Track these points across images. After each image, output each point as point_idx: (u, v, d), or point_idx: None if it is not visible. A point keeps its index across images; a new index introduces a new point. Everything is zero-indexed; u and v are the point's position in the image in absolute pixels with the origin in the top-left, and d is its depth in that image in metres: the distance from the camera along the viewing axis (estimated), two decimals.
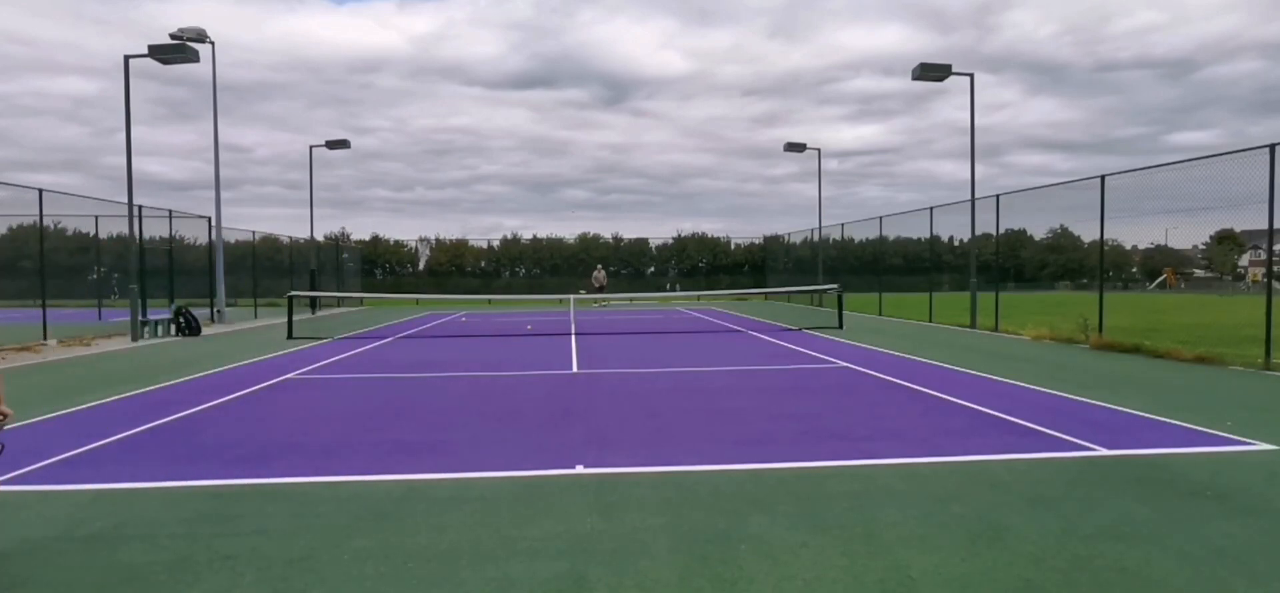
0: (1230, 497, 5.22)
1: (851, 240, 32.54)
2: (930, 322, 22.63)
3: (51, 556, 4.34)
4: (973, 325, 20.65)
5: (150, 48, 19.77)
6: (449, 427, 7.99)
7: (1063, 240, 45.74)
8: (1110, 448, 6.67)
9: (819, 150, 34.66)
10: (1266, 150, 11.74)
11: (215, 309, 25.43)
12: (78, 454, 6.76)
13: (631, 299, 39.28)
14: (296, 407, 9.31)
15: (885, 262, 29.70)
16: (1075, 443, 6.87)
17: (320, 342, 18.20)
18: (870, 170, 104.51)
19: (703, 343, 17.34)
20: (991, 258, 22.96)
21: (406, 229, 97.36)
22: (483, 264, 53.44)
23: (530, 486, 5.69)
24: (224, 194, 27.51)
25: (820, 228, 34.66)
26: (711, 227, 74.97)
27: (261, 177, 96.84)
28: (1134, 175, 15.23)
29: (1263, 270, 35.75)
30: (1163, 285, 51.94)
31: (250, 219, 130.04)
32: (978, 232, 21.77)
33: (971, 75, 21.55)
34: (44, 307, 18.31)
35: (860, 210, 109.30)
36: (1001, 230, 21.16)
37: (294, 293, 21.43)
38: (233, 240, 28.73)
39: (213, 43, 23.46)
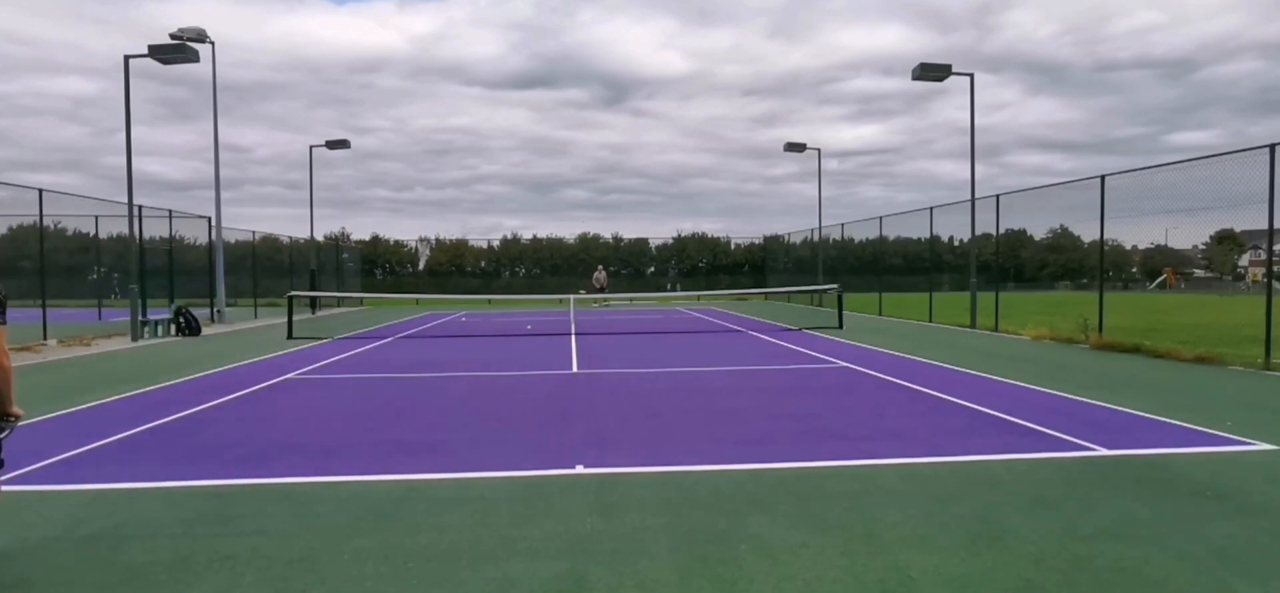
0: (1230, 497, 5.22)
1: (851, 240, 32.54)
2: (930, 322, 22.63)
3: (51, 556, 4.34)
4: (973, 325, 20.65)
5: (150, 48, 19.77)
6: (449, 427, 8.00)
7: (1063, 240, 45.74)
8: (1110, 448, 6.67)
9: (819, 150, 34.69)
10: (1266, 150, 11.74)
11: (215, 309, 25.42)
12: (78, 454, 6.76)
13: (631, 299, 39.29)
14: (296, 407, 9.31)
15: (885, 262, 29.70)
16: (1075, 443, 6.87)
17: (320, 342, 18.20)
18: (870, 170, 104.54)
19: (703, 343, 17.34)
20: (991, 258, 22.96)
21: (406, 229, 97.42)
22: (483, 264, 53.44)
23: (530, 486, 5.69)
24: (224, 194, 27.54)
25: (820, 228, 34.67)
26: (711, 227, 75.03)
27: (261, 177, 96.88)
28: (1134, 175, 15.24)
29: (1263, 270, 35.75)
30: (1163, 285, 51.94)
31: (250, 219, 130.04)
32: (978, 232, 21.78)
33: (971, 75, 21.56)
34: (44, 307, 18.30)
35: (860, 210, 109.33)
36: (1001, 230, 21.17)
37: (294, 293, 21.43)
38: (233, 240, 28.74)
39: (213, 43, 23.47)
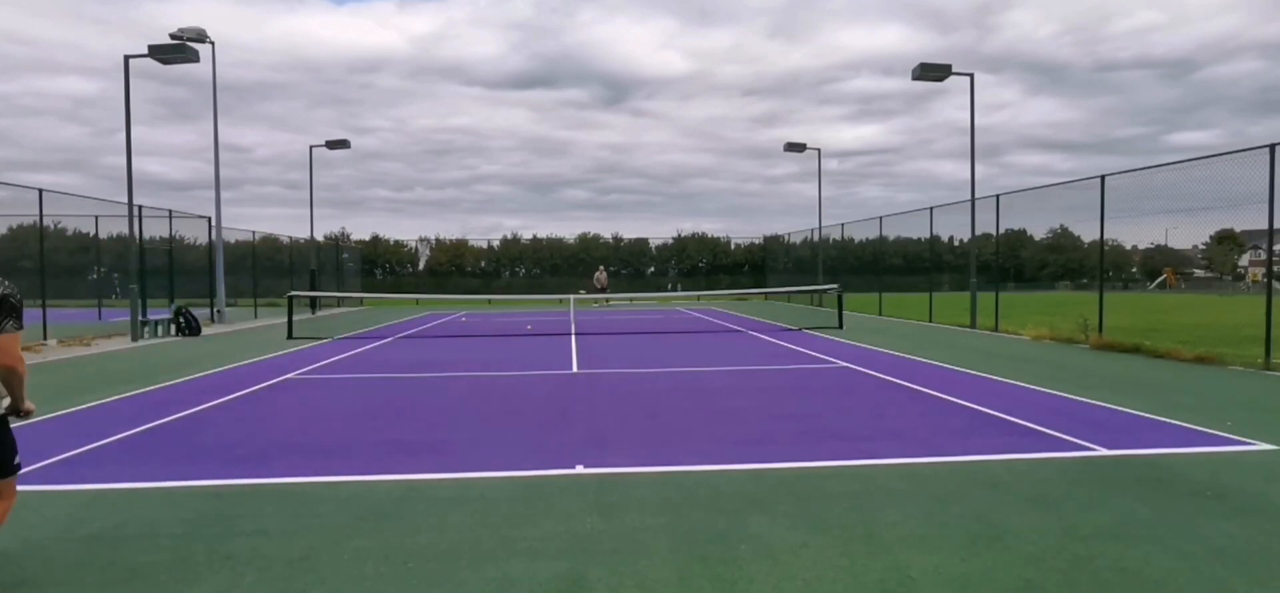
0: (1230, 497, 5.22)
1: (851, 240, 32.54)
2: (930, 322, 22.62)
3: (51, 556, 4.34)
4: (973, 325, 20.65)
5: (150, 48, 19.77)
6: (449, 427, 8.00)
7: (1063, 240, 45.75)
8: (1110, 448, 6.67)
9: (819, 150, 34.69)
10: (1266, 150, 11.74)
11: (215, 309, 25.43)
12: (78, 454, 6.76)
13: (632, 299, 39.31)
14: (296, 407, 9.31)
15: (885, 262, 29.70)
16: (1075, 443, 6.87)
17: (320, 342, 18.20)
18: (870, 170, 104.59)
19: (703, 343, 17.34)
20: (991, 258, 22.96)
21: (406, 229, 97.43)
22: (483, 264, 53.44)
23: (530, 486, 5.69)
24: (224, 194, 27.54)
25: (820, 228, 34.67)
26: (711, 227, 75.03)
27: (261, 177, 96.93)
28: (1134, 175, 15.24)
29: (1263, 270, 35.74)
30: (1163, 285, 51.94)
31: (250, 219, 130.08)
32: (978, 232, 21.78)
33: (971, 75, 21.56)
34: (44, 307, 18.29)
35: (860, 210, 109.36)
36: (1001, 230, 21.17)
37: (294, 293, 21.43)
38: (233, 240, 28.74)
39: (213, 43, 23.47)
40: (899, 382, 10.88)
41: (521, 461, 6.40)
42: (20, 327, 3.72)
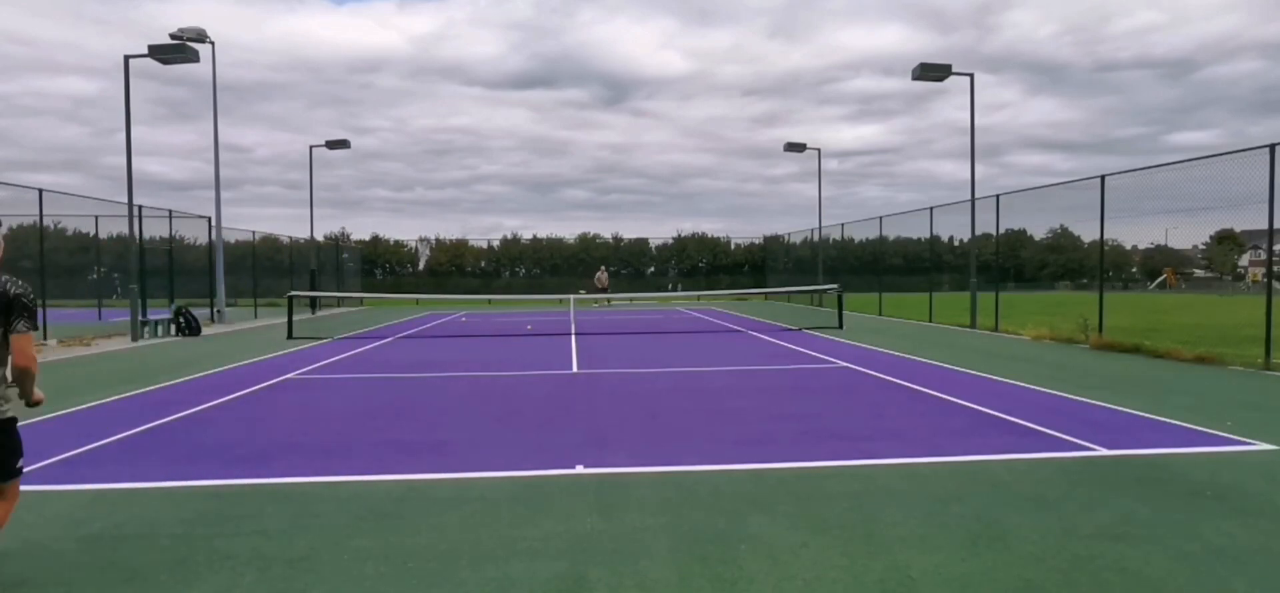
0: (1230, 497, 5.22)
1: (851, 240, 32.54)
2: (930, 322, 22.62)
3: (51, 556, 4.34)
4: (973, 325, 20.65)
5: (150, 48, 19.77)
6: (449, 427, 8.00)
7: (1063, 240, 45.75)
8: (1110, 448, 6.67)
9: (819, 150, 34.69)
10: (1266, 150, 11.74)
11: (215, 309, 25.43)
12: (78, 454, 6.76)
13: (632, 299, 39.32)
14: (296, 407, 9.31)
15: (885, 262, 29.70)
16: (1075, 443, 6.87)
17: (320, 342, 18.20)
18: (870, 170, 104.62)
19: (703, 343, 17.34)
20: (991, 258, 22.96)
21: (406, 229, 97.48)
22: (483, 264, 53.44)
23: (530, 486, 5.69)
24: (224, 194, 27.54)
25: (820, 228, 34.67)
26: (711, 227, 75.07)
27: (261, 177, 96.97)
28: (1134, 175, 15.24)
29: (1263, 270, 35.74)
30: (1163, 285, 51.94)
31: (250, 219, 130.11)
32: (978, 232, 21.78)
33: (971, 75, 21.56)
34: (44, 307, 18.25)
35: (860, 210, 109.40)
36: (1001, 230, 21.17)
37: (294, 293, 21.43)
38: (233, 240, 28.74)
39: (213, 43, 23.47)
40: (899, 382, 10.88)
41: (521, 461, 6.40)
42: (34, 327, 3.77)
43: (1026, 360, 13.26)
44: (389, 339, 19.05)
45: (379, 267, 51.97)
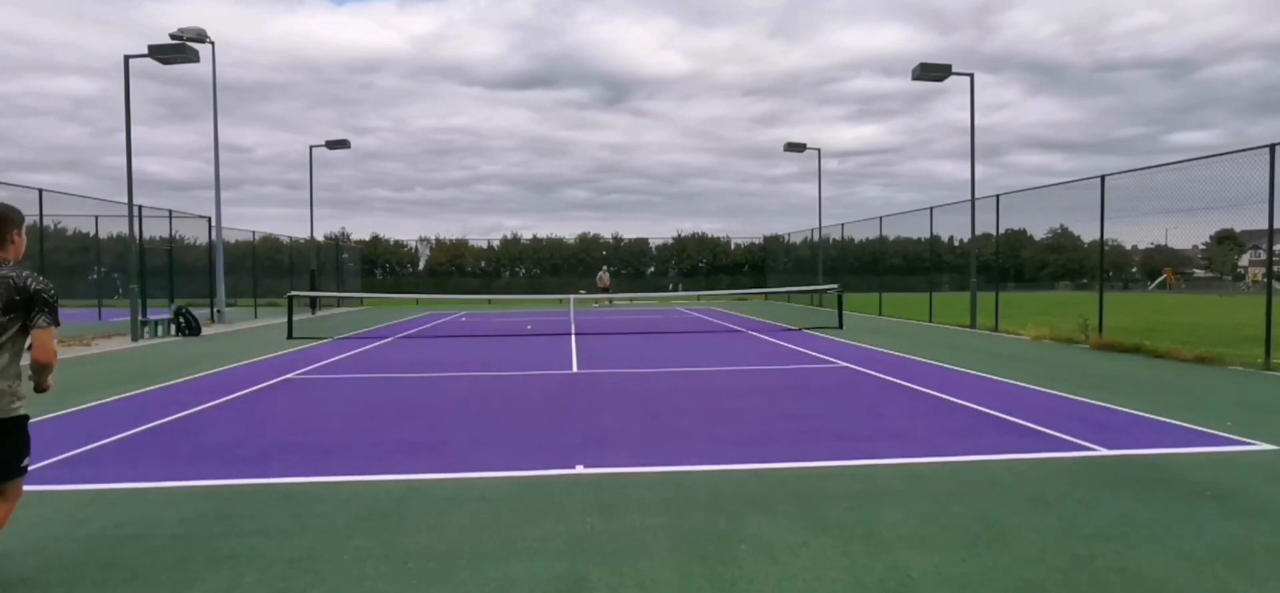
0: (1230, 497, 5.22)
1: (851, 240, 32.54)
2: (930, 322, 22.62)
3: (51, 556, 4.34)
4: (973, 325, 20.65)
5: (150, 48, 19.77)
6: (449, 427, 7.99)
7: (1063, 240, 45.76)
8: (1110, 448, 6.67)
9: (819, 150, 34.70)
10: (1266, 150, 11.74)
11: (215, 309, 25.42)
12: (78, 454, 6.76)
13: (632, 299, 39.34)
14: (296, 407, 9.31)
15: (885, 262, 29.70)
16: (1075, 443, 6.87)
17: (320, 342, 18.20)
18: (870, 170, 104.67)
19: (703, 343, 17.34)
20: (991, 258, 22.95)
21: (406, 229, 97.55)
22: (483, 264, 53.44)
23: (530, 486, 5.69)
24: (224, 194, 27.55)
25: (820, 228, 34.67)
26: (711, 227, 75.10)
27: (261, 177, 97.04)
28: (1134, 175, 15.24)
29: (1263, 270, 35.74)
30: (1163, 285, 51.94)
31: (250, 219, 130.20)
32: (978, 232, 21.78)
33: (971, 75, 21.56)
34: None
35: (860, 210, 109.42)
36: (1001, 230, 21.17)
37: (294, 293, 21.43)
38: (233, 240, 28.74)
39: (213, 43, 23.47)
40: (899, 382, 10.88)
41: (521, 461, 6.40)
42: (56, 322, 3.83)
43: (1026, 360, 13.26)
44: (389, 339, 19.05)
45: (379, 267, 51.98)
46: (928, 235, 25.95)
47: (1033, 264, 49.18)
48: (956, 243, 30.70)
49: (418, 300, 38.42)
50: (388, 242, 53.94)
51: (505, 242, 54.20)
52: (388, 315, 30.15)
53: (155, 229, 25.14)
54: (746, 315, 27.82)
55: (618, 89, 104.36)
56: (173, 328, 20.66)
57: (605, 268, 43.53)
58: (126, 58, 19.50)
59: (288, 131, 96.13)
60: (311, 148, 34.39)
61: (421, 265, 53.89)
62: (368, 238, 53.29)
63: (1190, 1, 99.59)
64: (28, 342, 3.79)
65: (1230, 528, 4.60)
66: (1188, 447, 6.74)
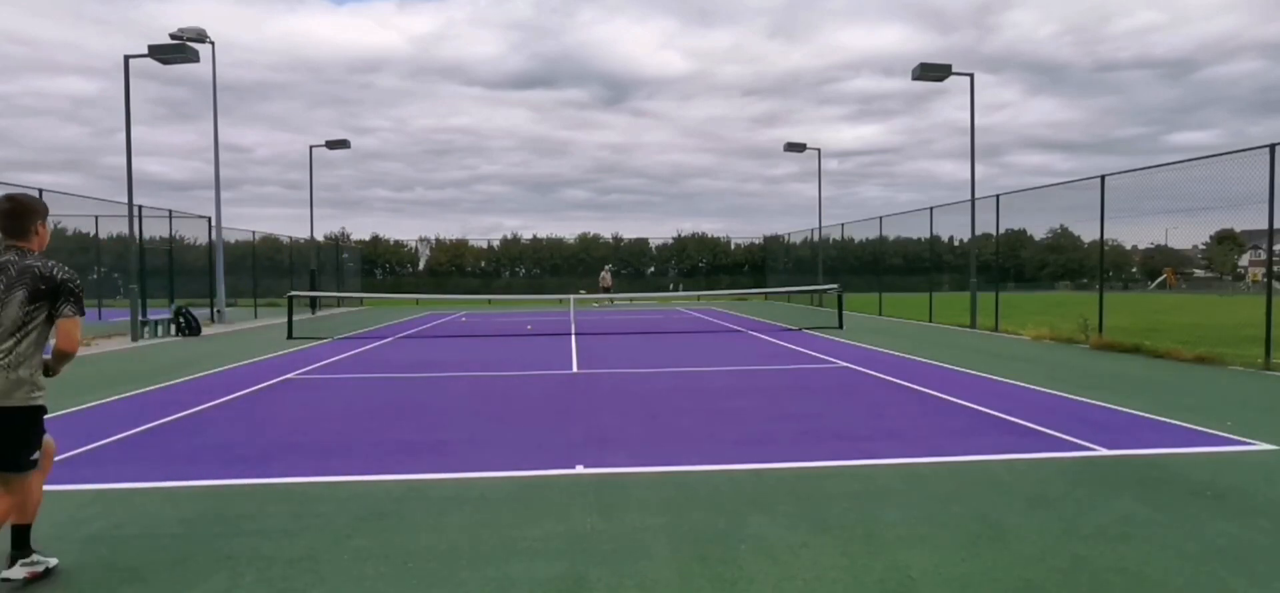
0: (1230, 497, 5.22)
1: (851, 240, 32.54)
2: (930, 322, 22.62)
3: (51, 556, 4.33)
4: (973, 325, 20.65)
5: (150, 48, 19.77)
6: (449, 427, 7.99)
7: (1063, 240, 45.76)
8: (1110, 448, 6.67)
9: (819, 150, 34.69)
10: (1266, 150, 11.74)
11: (215, 309, 25.42)
12: (78, 454, 6.76)
13: (632, 299, 39.35)
14: (296, 407, 9.31)
15: (885, 262, 29.70)
16: (1075, 443, 6.87)
17: (320, 342, 18.20)
18: (870, 170, 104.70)
19: (703, 343, 17.34)
20: (991, 258, 22.96)
21: (406, 229, 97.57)
22: (483, 264, 53.44)
23: (530, 486, 5.69)
24: (224, 194, 27.55)
25: (820, 228, 34.67)
26: (711, 227, 75.11)
27: (261, 177, 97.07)
28: (1134, 175, 15.24)
29: (1263, 270, 35.74)
30: (1163, 285, 51.95)
31: (250, 219, 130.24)
32: (978, 232, 21.78)
33: (971, 75, 21.56)
34: None
35: (860, 210, 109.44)
36: (1001, 230, 21.17)
37: (294, 293, 21.43)
38: (233, 240, 28.73)
39: (213, 43, 23.46)
40: (899, 382, 10.88)
41: (521, 460, 6.40)
42: (81, 312, 3.91)
43: (1026, 360, 13.26)
44: (389, 339, 19.05)
45: (379, 267, 51.98)
46: (928, 235, 25.97)
47: (1033, 264, 49.19)
48: (956, 243, 30.72)
49: (418, 300, 38.42)
50: (388, 242, 53.95)
51: (505, 242, 54.21)
52: (388, 315, 30.15)
53: (155, 229, 25.17)
54: (746, 315, 27.81)
55: (618, 89, 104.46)
56: (173, 328, 20.66)
57: (607, 268, 43.56)
58: (126, 58, 19.51)
59: (288, 131, 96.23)
60: (311, 148, 34.43)
61: (421, 265, 53.89)
62: (368, 238, 53.33)
63: (1190, 1, 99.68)
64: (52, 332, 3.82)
65: (1230, 528, 4.60)
66: (1187, 447, 6.74)
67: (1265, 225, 11.93)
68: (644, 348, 16.14)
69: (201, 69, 24.79)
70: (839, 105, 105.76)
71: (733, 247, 53.98)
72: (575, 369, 12.58)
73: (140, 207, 20.67)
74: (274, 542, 4.50)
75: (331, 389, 10.76)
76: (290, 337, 18.94)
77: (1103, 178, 15.61)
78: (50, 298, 3.78)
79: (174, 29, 21.93)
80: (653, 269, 54.00)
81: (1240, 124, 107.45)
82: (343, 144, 33.58)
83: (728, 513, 4.96)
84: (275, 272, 33.75)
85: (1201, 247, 54.42)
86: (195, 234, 28.37)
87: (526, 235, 54.87)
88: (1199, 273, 57.44)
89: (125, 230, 21.61)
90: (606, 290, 38.91)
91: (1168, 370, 11.83)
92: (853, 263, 32.87)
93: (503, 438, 7.34)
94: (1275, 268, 12.52)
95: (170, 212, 24.85)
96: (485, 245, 53.81)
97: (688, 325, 23.06)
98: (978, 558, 4.17)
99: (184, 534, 4.65)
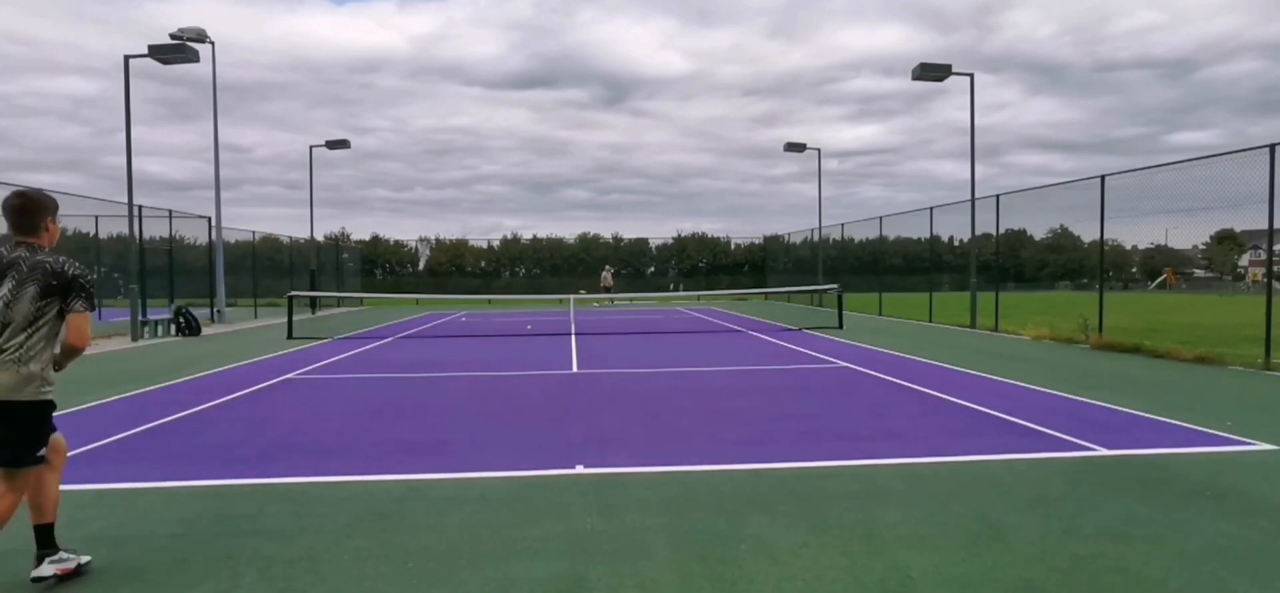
0: (1230, 497, 5.22)
1: (851, 240, 32.54)
2: (930, 322, 22.62)
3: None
4: (973, 325, 20.65)
5: (150, 48, 19.78)
6: (449, 427, 7.99)
7: (1063, 240, 45.78)
8: (1110, 448, 6.67)
9: (819, 150, 34.70)
10: (1266, 150, 11.74)
11: (215, 309, 25.42)
12: (78, 454, 6.74)
13: (632, 299, 39.36)
14: (296, 407, 9.31)
15: (885, 262, 29.70)
16: (1075, 443, 6.87)
17: (320, 342, 18.20)
18: (870, 170, 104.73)
19: (703, 343, 17.34)
20: (991, 258, 22.96)
21: (406, 229, 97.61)
22: (483, 264, 53.45)
23: (530, 486, 5.69)
24: (224, 194, 27.56)
25: (820, 228, 34.67)
26: (711, 227, 75.15)
27: (261, 177, 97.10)
28: (1134, 175, 15.24)
29: (1263, 270, 35.74)
30: (1163, 285, 51.96)
31: (250, 219, 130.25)
32: (978, 232, 21.78)
33: (971, 75, 21.56)
34: None
35: (860, 210, 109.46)
36: (1001, 230, 21.17)
37: (294, 293, 21.43)
38: (233, 240, 28.74)
39: (213, 43, 23.46)
40: (899, 382, 10.88)
41: (521, 460, 6.40)
42: (91, 307, 3.92)
43: (1026, 360, 13.26)
44: (389, 339, 19.05)
45: (379, 267, 51.99)
46: (928, 235, 25.97)
47: (1033, 264, 49.21)
48: (956, 243, 30.72)
49: (418, 300, 38.42)
50: (388, 242, 53.97)
51: (505, 242, 54.23)
52: (388, 315, 30.15)
53: (155, 229, 25.17)
54: (746, 315, 27.82)
55: (618, 89, 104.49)
56: (173, 328, 20.66)
57: (608, 268, 43.57)
58: (126, 58, 19.51)
59: (288, 131, 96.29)
60: (311, 148, 34.44)
61: (421, 265, 53.91)
62: (368, 238, 53.35)
63: (1190, 1, 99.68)
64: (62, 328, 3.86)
65: (1230, 528, 4.60)
66: (1187, 447, 6.75)
67: (1265, 225, 11.93)
68: (644, 348, 16.14)
69: (201, 69, 24.81)
70: (839, 105, 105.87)
71: (733, 247, 54.01)
72: (575, 369, 12.58)
73: (140, 207, 20.68)
74: (274, 542, 4.50)
75: (331, 389, 10.76)
76: (290, 337, 18.94)
77: (1103, 178, 15.62)
78: (61, 293, 3.80)
79: (174, 29, 21.95)
80: (653, 269, 54.01)
81: (1240, 124, 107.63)
82: (343, 144, 33.59)
83: (728, 513, 4.96)
84: (275, 272, 33.76)
85: (1201, 247, 54.47)
86: (195, 234, 28.40)
87: (526, 235, 54.98)
88: (1199, 273, 57.46)
89: (125, 230, 21.63)
90: (608, 290, 38.92)
91: (1168, 370, 11.83)
92: (853, 263, 32.88)
93: (503, 438, 7.34)
94: (1275, 268, 12.52)
95: (170, 212, 24.87)
96: (485, 245, 53.86)
97: (688, 325, 23.06)
98: (978, 558, 4.17)
99: (184, 534, 4.65)
